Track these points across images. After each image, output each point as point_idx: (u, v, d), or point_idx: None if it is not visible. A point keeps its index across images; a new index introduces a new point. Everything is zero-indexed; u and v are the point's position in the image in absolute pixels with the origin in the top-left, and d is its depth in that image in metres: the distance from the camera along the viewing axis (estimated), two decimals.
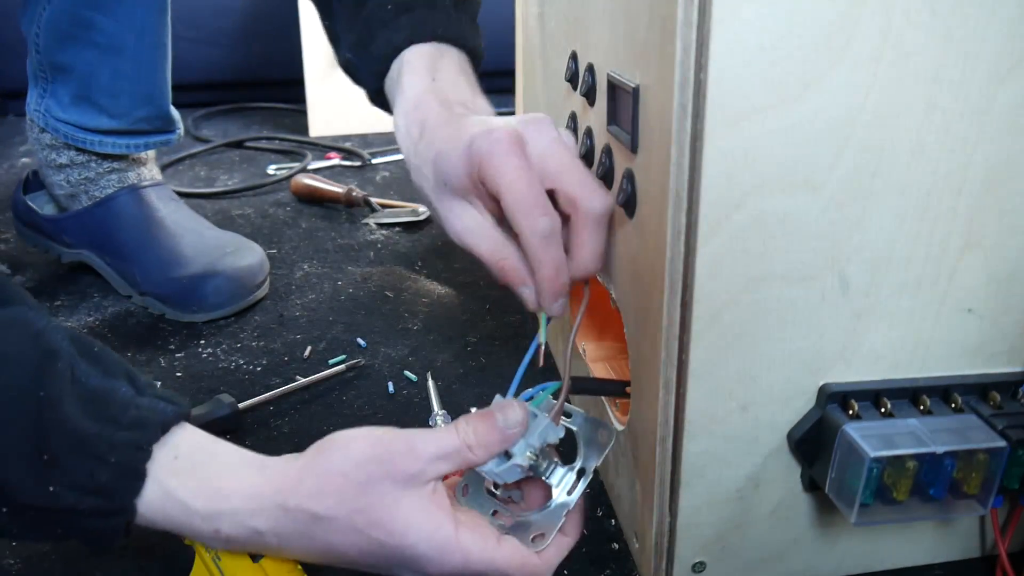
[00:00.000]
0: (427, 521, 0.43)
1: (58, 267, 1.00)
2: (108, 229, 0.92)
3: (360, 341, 0.83)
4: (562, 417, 0.50)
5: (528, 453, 0.46)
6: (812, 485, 0.48)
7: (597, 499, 0.61)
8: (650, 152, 0.44)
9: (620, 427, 0.55)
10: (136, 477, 0.42)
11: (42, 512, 0.41)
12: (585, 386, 0.58)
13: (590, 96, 0.55)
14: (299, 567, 0.48)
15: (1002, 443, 0.43)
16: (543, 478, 0.48)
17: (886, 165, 0.41)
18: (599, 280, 0.57)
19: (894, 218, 0.43)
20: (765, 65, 0.38)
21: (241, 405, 0.70)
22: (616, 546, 0.57)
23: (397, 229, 1.14)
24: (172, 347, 0.83)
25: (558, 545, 0.47)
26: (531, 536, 0.47)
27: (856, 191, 0.42)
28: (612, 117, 0.50)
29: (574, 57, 0.58)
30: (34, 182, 0.99)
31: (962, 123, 0.41)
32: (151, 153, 0.97)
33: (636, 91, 0.45)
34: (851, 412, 0.45)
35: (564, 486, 0.48)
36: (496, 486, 0.49)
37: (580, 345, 0.67)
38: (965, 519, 0.52)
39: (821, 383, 0.46)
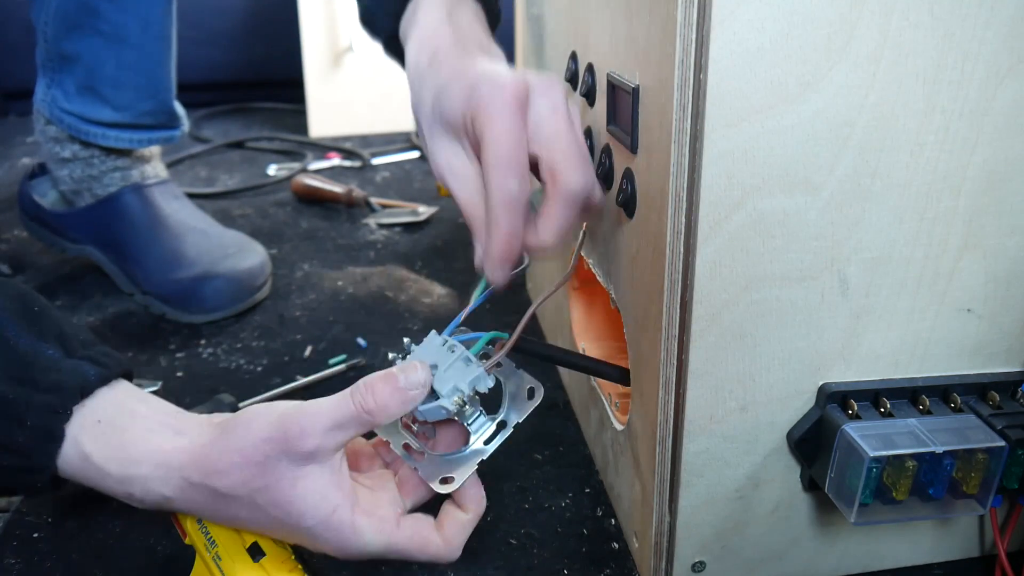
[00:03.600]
0: (323, 503, 0.43)
1: (60, 267, 1.00)
2: (111, 227, 0.92)
3: (360, 341, 0.84)
4: (497, 367, 0.49)
5: (455, 397, 0.46)
6: (812, 485, 0.49)
7: (597, 499, 0.61)
8: (650, 152, 0.44)
9: (620, 427, 0.56)
10: (52, 439, 0.43)
11: None
12: (540, 351, 0.55)
13: (590, 96, 0.55)
14: (299, 567, 0.48)
15: (1001, 443, 0.43)
16: (464, 423, 0.48)
17: (886, 165, 0.41)
18: (599, 280, 0.57)
19: (893, 218, 0.43)
20: (765, 65, 0.38)
21: (241, 405, 0.70)
22: (616, 546, 0.57)
23: (397, 229, 1.14)
24: (173, 347, 0.83)
25: (460, 524, 0.47)
26: (440, 478, 0.47)
27: (856, 191, 0.42)
28: (612, 117, 0.50)
29: (574, 57, 0.59)
30: (40, 173, 0.99)
31: (962, 123, 0.41)
32: (155, 149, 0.97)
33: (636, 91, 0.45)
34: (850, 412, 0.45)
35: (483, 435, 0.48)
36: (415, 421, 0.49)
37: (580, 345, 0.68)
38: (964, 519, 0.53)
39: (820, 383, 0.46)
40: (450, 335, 0.48)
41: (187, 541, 0.52)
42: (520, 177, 0.46)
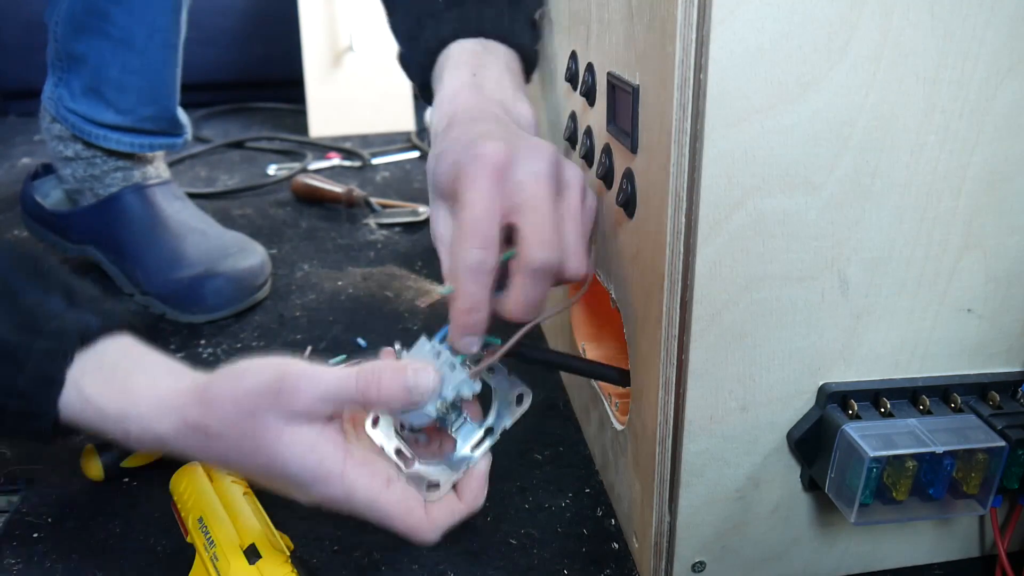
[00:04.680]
0: (309, 453, 0.43)
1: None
2: (112, 228, 0.92)
3: (360, 341, 0.83)
4: (487, 373, 0.49)
5: (438, 403, 0.46)
6: (812, 485, 0.49)
7: (597, 499, 0.61)
8: (650, 152, 0.44)
9: (620, 427, 0.56)
10: (52, 383, 0.44)
11: None
12: (536, 356, 0.54)
13: (590, 96, 0.55)
14: (295, 570, 0.48)
15: (1001, 443, 0.43)
16: (448, 430, 0.48)
17: (886, 165, 0.41)
18: (599, 280, 0.57)
19: (893, 218, 0.43)
20: (765, 65, 0.38)
21: None
22: (616, 546, 0.57)
23: (397, 229, 1.14)
24: (173, 347, 0.83)
25: (451, 510, 0.46)
26: (426, 484, 0.46)
27: (856, 191, 0.42)
28: (612, 117, 0.50)
29: (574, 57, 0.59)
30: (43, 174, 0.99)
31: (962, 123, 0.41)
32: (158, 152, 0.97)
33: (636, 91, 0.45)
34: (851, 412, 0.45)
35: (470, 442, 0.48)
36: (402, 426, 0.48)
37: (580, 345, 0.68)
38: (964, 519, 0.52)
39: (821, 383, 0.46)
40: (440, 341, 0.48)
41: (188, 539, 0.52)
42: (483, 246, 0.44)
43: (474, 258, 0.44)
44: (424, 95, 0.64)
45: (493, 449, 0.48)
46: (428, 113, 1.67)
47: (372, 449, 0.47)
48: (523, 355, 0.52)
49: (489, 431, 0.49)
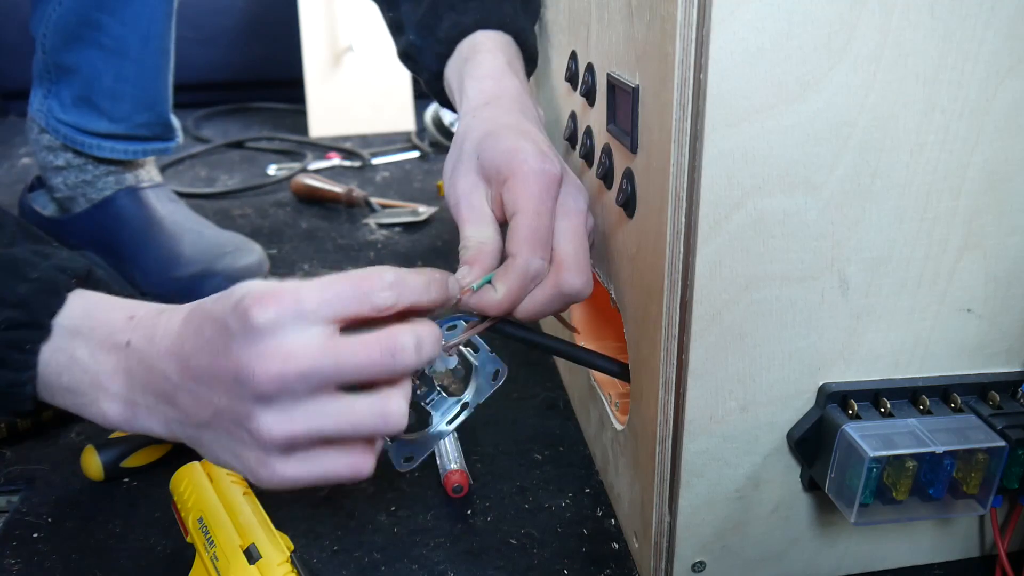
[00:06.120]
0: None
1: None
2: (107, 231, 0.92)
3: None
4: (471, 352, 0.50)
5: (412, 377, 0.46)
6: (812, 485, 0.49)
7: (597, 499, 0.61)
8: (650, 152, 0.44)
9: (620, 427, 0.56)
10: (55, 293, 0.43)
11: None
12: (524, 336, 0.53)
13: (590, 96, 0.55)
14: (295, 570, 0.48)
15: (1001, 443, 0.43)
16: (422, 404, 0.49)
17: (886, 165, 0.41)
18: (599, 280, 0.57)
19: (894, 218, 0.43)
20: (765, 65, 0.38)
21: None
22: (616, 546, 0.57)
23: (397, 229, 1.14)
24: None
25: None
26: (403, 456, 0.48)
27: (856, 191, 0.42)
28: (612, 117, 0.50)
29: (574, 57, 0.59)
30: (39, 186, 0.99)
31: (962, 123, 0.41)
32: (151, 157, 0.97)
33: (636, 91, 0.45)
34: (851, 412, 0.45)
35: (446, 416, 0.49)
36: None
37: (580, 345, 0.67)
38: (964, 519, 0.52)
39: (821, 383, 0.46)
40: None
41: (188, 539, 0.52)
42: (544, 258, 0.48)
43: (536, 267, 0.47)
44: (433, 86, 0.64)
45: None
46: (428, 113, 1.66)
47: None
48: (511, 334, 0.51)
49: (465, 406, 0.50)
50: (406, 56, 0.66)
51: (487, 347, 0.51)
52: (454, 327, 0.48)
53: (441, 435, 0.49)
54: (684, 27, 0.38)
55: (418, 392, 0.48)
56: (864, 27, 0.38)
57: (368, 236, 1.12)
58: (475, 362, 0.51)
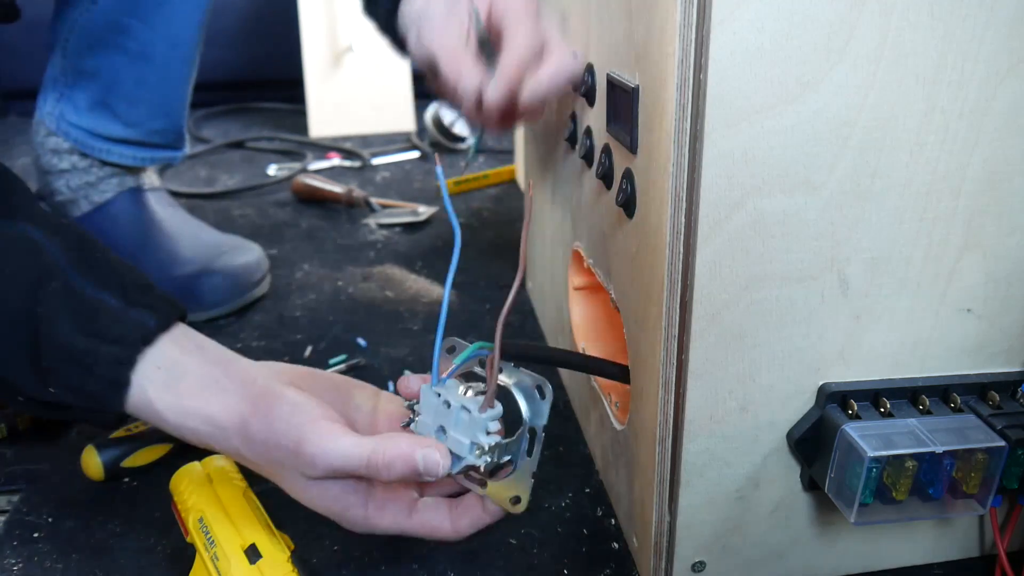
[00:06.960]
0: (333, 504, 0.48)
1: None
2: (107, 233, 0.92)
3: (360, 341, 0.83)
4: (500, 380, 0.48)
5: (476, 452, 0.46)
6: (812, 485, 0.49)
7: (597, 499, 0.61)
8: (650, 152, 0.44)
9: (620, 427, 0.56)
10: (119, 387, 0.47)
11: (50, 403, 0.49)
12: (534, 354, 0.54)
13: (590, 96, 0.55)
14: (296, 570, 0.48)
15: (1001, 443, 0.43)
16: (501, 461, 0.48)
17: (886, 165, 0.41)
18: (599, 280, 0.57)
19: (893, 218, 0.43)
20: (765, 65, 0.38)
21: None
22: (616, 546, 0.57)
23: (397, 229, 1.14)
24: None
25: (475, 519, 0.50)
26: (509, 498, 0.48)
27: (856, 191, 0.42)
28: (612, 117, 0.50)
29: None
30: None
31: (961, 123, 0.41)
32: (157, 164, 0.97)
33: (636, 91, 0.45)
34: (850, 412, 0.45)
35: (522, 452, 0.48)
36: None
37: (580, 345, 0.68)
38: (964, 519, 0.52)
39: (820, 383, 0.46)
40: (441, 381, 0.48)
41: (188, 539, 0.52)
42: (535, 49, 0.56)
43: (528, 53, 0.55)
44: (387, 26, 0.67)
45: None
46: (428, 113, 1.66)
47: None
48: (521, 355, 0.51)
49: (533, 432, 0.48)
50: (366, 3, 0.70)
51: (511, 365, 0.49)
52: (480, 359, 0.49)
53: (529, 467, 0.48)
54: (684, 27, 0.38)
55: (492, 454, 0.47)
56: (864, 27, 0.38)
57: (368, 236, 1.12)
58: (513, 386, 0.48)
